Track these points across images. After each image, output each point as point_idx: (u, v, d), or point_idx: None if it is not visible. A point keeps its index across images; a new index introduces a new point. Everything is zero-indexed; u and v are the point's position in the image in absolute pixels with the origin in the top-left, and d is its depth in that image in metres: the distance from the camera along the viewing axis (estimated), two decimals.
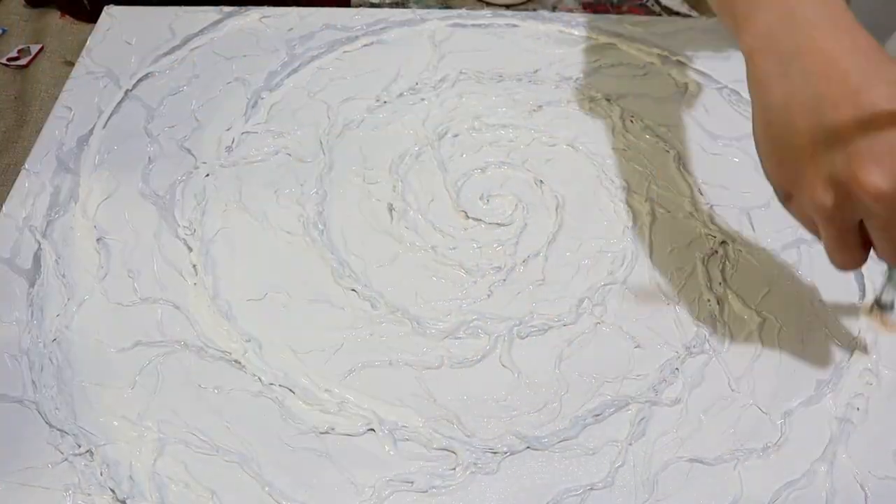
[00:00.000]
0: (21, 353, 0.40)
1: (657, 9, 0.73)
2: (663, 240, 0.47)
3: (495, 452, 0.38)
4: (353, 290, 0.44)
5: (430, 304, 0.44)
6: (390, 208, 0.48)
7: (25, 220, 0.46)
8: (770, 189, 0.50)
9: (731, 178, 0.51)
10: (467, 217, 0.48)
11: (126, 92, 0.54)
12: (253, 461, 0.37)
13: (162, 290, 0.43)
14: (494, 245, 0.47)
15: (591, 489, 0.37)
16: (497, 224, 0.48)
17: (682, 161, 0.52)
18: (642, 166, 0.52)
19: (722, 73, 0.59)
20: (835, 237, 0.33)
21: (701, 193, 0.50)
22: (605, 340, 0.42)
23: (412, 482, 0.36)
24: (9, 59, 0.65)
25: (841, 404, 0.40)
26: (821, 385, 0.41)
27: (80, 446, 0.37)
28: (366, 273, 0.45)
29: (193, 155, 0.51)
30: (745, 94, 0.57)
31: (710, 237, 0.48)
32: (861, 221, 0.32)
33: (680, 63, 0.59)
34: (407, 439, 0.38)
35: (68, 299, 0.43)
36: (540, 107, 0.55)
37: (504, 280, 0.45)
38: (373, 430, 0.38)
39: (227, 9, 0.61)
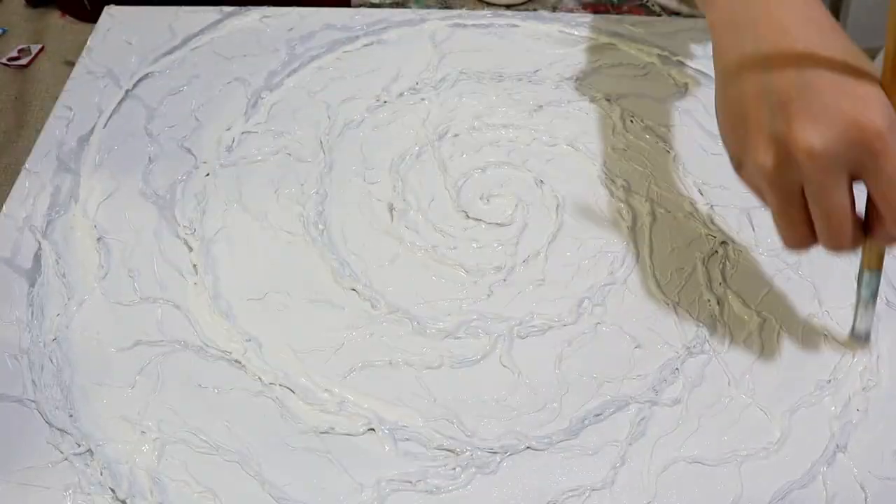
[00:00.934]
0: (21, 353, 0.40)
1: (657, 9, 0.73)
2: (663, 240, 0.47)
3: (495, 452, 0.38)
4: (353, 289, 0.44)
5: (430, 303, 0.44)
6: (390, 208, 0.48)
7: (26, 219, 0.46)
8: None
9: (731, 179, 0.51)
10: (467, 217, 0.48)
11: (126, 92, 0.54)
12: (253, 461, 0.37)
13: (162, 290, 0.43)
14: (494, 245, 0.47)
15: (591, 489, 0.37)
16: (497, 224, 0.48)
17: (682, 161, 0.52)
18: (642, 166, 0.52)
19: None
20: (778, 205, 0.34)
21: (701, 193, 0.50)
22: (606, 340, 0.42)
23: (412, 482, 0.36)
24: (9, 59, 0.65)
25: (841, 404, 0.40)
26: (821, 385, 0.41)
27: (80, 446, 0.37)
28: (366, 273, 0.45)
29: (194, 155, 0.51)
30: None
31: (710, 237, 0.48)
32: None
33: (680, 63, 0.59)
34: (407, 439, 0.38)
35: (68, 299, 0.43)
36: (540, 107, 0.55)
37: (504, 280, 0.45)
38: (373, 429, 0.38)
39: (227, 9, 0.61)
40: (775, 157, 0.32)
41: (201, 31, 0.59)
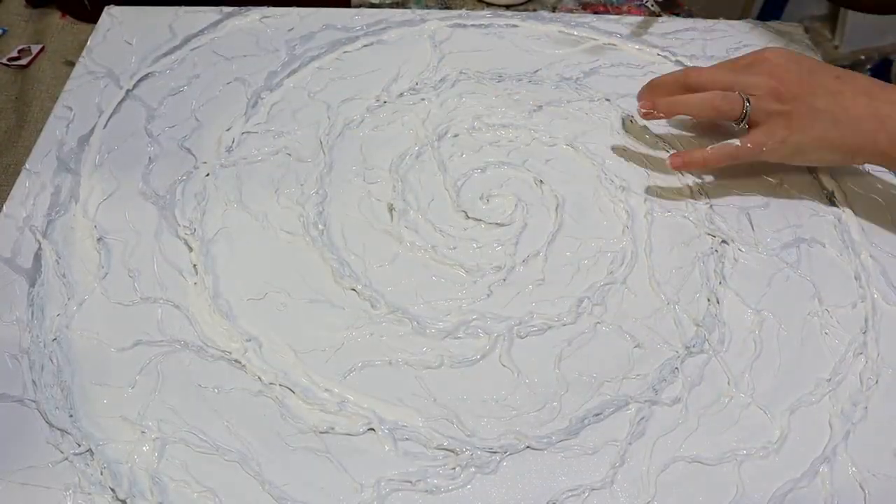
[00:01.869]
0: (21, 353, 0.40)
1: (657, 9, 0.73)
2: (663, 239, 0.48)
3: (495, 452, 0.38)
4: (353, 289, 0.44)
5: (430, 303, 0.44)
6: (390, 208, 0.48)
7: (26, 219, 0.46)
8: (770, 189, 0.51)
9: (731, 178, 0.51)
10: (467, 217, 0.48)
11: (126, 92, 0.54)
12: (253, 461, 0.37)
13: (162, 290, 0.43)
14: (494, 245, 0.47)
15: (591, 489, 0.37)
16: (497, 224, 0.48)
17: None
18: (642, 166, 0.52)
19: None
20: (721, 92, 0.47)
21: (701, 193, 0.50)
22: (605, 340, 0.42)
23: (412, 482, 0.36)
24: (9, 59, 0.65)
25: (841, 404, 0.40)
26: (821, 385, 0.41)
27: (80, 446, 0.37)
28: (366, 273, 0.45)
29: (194, 155, 0.51)
30: None
31: (709, 236, 0.48)
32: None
33: (680, 63, 0.59)
34: (407, 439, 0.38)
35: (68, 299, 0.43)
36: (540, 107, 0.55)
37: (504, 280, 0.45)
38: (373, 429, 0.38)
39: (227, 9, 0.61)
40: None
41: (201, 32, 0.59)
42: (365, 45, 0.59)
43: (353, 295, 0.44)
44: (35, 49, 0.66)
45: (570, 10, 0.72)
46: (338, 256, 0.46)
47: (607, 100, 0.56)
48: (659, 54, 0.60)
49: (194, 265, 0.45)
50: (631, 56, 0.60)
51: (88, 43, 0.58)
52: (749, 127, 0.47)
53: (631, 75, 0.58)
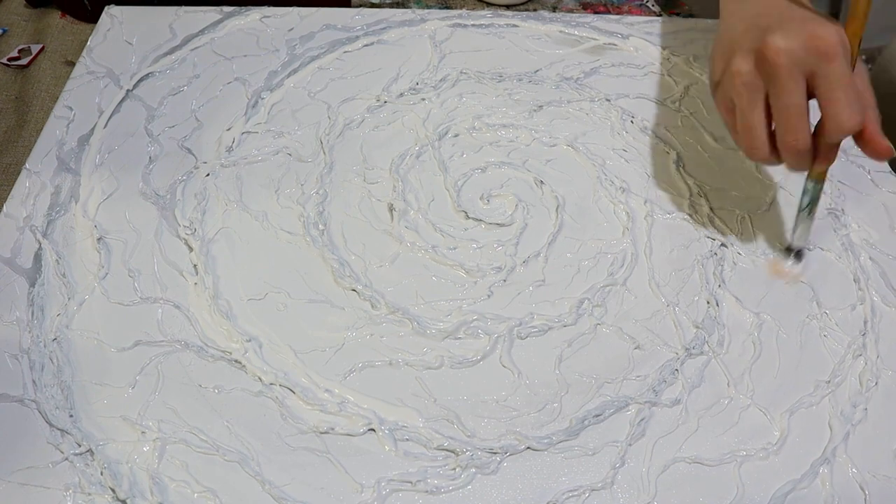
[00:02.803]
0: (21, 353, 0.40)
1: (657, 9, 0.73)
2: (663, 241, 0.48)
3: (495, 452, 0.38)
4: (353, 290, 0.44)
5: (430, 304, 0.44)
6: (390, 208, 0.48)
7: (26, 219, 0.46)
8: (770, 191, 0.51)
9: (731, 180, 0.51)
10: (467, 217, 0.48)
11: (126, 92, 0.54)
12: (253, 461, 0.37)
13: (162, 290, 0.43)
14: (494, 245, 0.47)
15: (591, 489, 0.37)
16: (497, 224, 0.48)
17: (682, 162, 0.52)
18: (642, 167, 0.52)
19: None
20: (745, 106, 0.40)
21: (701, 195, 0.50)
22: (605, 341, 0.43)
23: (412, 482, 0.36)
24: (9, 59, 0.64)
25: (840, 404, 0.40)
26: (820, 385, 0.41)
27: (80, 446, 0.37)
28: (366, 273, 0.45)
29: (194, 155, 0.51)
30: None
31: (709, 239, 0.48)
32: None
33: (680, 63, 0.59)
34: (407, 439, 0.38)
35: (68, 299, 0.43)
36: (540, 107, 0.55)
37: (504, 280, 0.45)
38: (373, 430, 0.38)
39: (227, 9, 0.61)
40: (749, 62, 0.40)
41: (201, 32, 0.59)
42: (365, 45, 0.59)
43: (353, 295, 0.44)
44: (35, 49, 0.66)
45: (571, 10, 0.72)
46: (338, 256, 0.46)
47: (607, 100, 0.56)
48: (659, 54, 0.60)
49: (194, 265, 0.45)
50: (631, 56, 0.60)
51: (88, 43, 0.58)
52: None
53: (631, 75, 0.58)
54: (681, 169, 0.52)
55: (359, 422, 0.38)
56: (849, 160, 0.53)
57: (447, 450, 0.38)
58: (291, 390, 0.40)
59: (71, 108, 0.53)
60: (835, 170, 0.52)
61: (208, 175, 0.50)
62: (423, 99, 0.55)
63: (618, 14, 0.66)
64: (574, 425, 0.39)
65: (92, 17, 0.62)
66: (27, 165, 0.49)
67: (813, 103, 0.39)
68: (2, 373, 0.39)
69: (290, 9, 0.61)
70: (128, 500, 0.35)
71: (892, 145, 0.39)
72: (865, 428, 0.39)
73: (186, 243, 0.46)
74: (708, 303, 0.44)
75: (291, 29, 0.60)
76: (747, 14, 0.43)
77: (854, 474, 0.38)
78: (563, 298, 0.44)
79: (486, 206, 0.49)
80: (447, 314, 0.43)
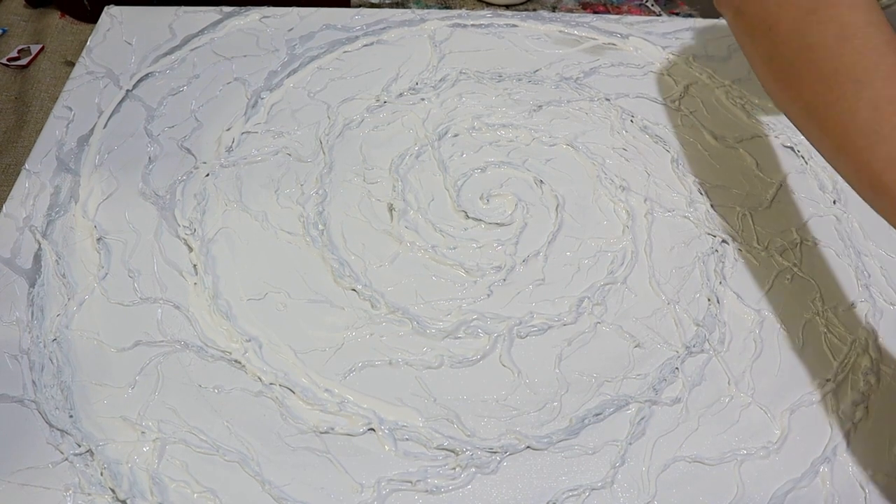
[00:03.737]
0: (21, 353, 0.40)
1: (657, 9, 0.73)
2: (663, 239, 0.48)
3: (495, 452, 0.38)
4: (353, 290, 0.44)
5: (430, 303, 0.44)
6: (390, 208, 0.48)
7: (26, 220, 0.46)
8: (771, 188, 0.51)
9: (731, 178, 0.51)
10: (467, 217, 0.48)
11: (126, 92, 0.54)
12: (253, 461, 0.37)
13: (162, 290, 0.43)
14: (494, 245, 0.47)
15: (591, 489, 0.37)
16: (497, 224, 0.48)
17: (681, 161, 0.52)
18: (642, 165, 0.52)
19: (722, 73, 0.59)
20: None
21: (701, 193, 0.50)
22: (605, 340, 0.42)
23: (412, 482, 0.36)
24: (9, 59, 0.65)
25: (841, 404, 0.40)
26: (821, 385, 0.41)
27: (80, 446, 0.37)
28: (366, 273, 0.45)
29: (193, 155, 0.51)
30: (746, 94, 0.57)
31: (709, 236, 0.48)
32: None
33: (680, 63, 0.59)
34: (407, 439, 0.38)
35: (68, 299, 0.43)
36: (540, 107, 0.55)
37: (504, 280, 0.45)
38: (373, 429, 0.38)
39: (227, 9, 0.61)
40: None
41: (201, 32, 0.59)
42: (365, 45, 0.59)
43: (353, 295, 0.44)
44: (35, 49, 0.66)
45: (570, 10, 0.72)
46: (338, 256, 0.46)
47: (607, 100, 0.56)
48: (659, 54, 0.60)
49: (194, 265, 0.45)
50: (631, 56, 0.60)
51: (88, 43, 0.58)
52: None
53: (631, 75, 0.58)
54: (680, 167, 0.51)
55: (359, 421, 0.38)
56: None
57: (447, 449, 0.38)
58: (291, 390, 0.40)
59: (70, 109, 0.53)
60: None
61: (208, 175, 0.50)
62: (423, 99, 0.55)
63: (618, 14, 0.66)
64: (574, 424, 0.39)
65: (92, 17, 0.62)
66: (27, 166, 0.49)
67: None
68: (2, 373, 0.39)
69: (290, 9, 0.61)
70: (128, 501, 0.35)
71: None
72: (866, 427, 0.39)
73: (186, 243, 0.46)
74: (709, 300, 0.44)
75: (291, 29, 0.60)
76: None
77: (854, 473, 0.38)
78: (563, 297, 0.44)
79: (486, 206, 0.49)
80: (447, 314, 0.43)
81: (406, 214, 0.48)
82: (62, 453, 0.37)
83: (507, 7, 0.69)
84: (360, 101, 0.55)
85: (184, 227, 0.47)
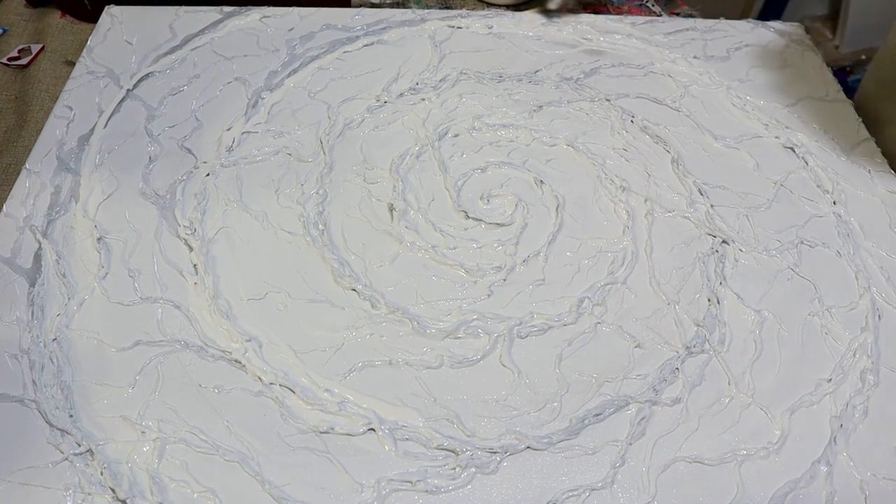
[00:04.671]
0: (21, 353, 0.40)
1: (657, 9, 0.73)
2: (663, 240, 0.47)
3: (495, 452, 0.38)
4: (353, 289, 0.44)
5: (430, 303, 0.44)
6: (390, 208, 0.48)
7: (26, 219, 0.46)
8: (770, 190, 0.51)
9: (731, 179, 0.51)
10: (467, 217, 0.48)
11: (126, 92, 0.54)
12: (253, 461, 0.37)
13: (162, 290, 0.43)
14: (494, 245, 0.47)
15: (591, 489, 0.37)
16: (497, 224, 0.48)
17: (681, 161, 0.52)
18: (642, 166, 0.52)
19: (722, 72, 0.59)
20: None
21: (701, 193, 0.50)
22: (605, 340, 0.42)
23: (412, 482, 0.36)
24: (9, 59, 0.64)
25: (841, 404, 0.40)
26: (821, 385, 0.41)
27: (80, 446, 0.37)
28: (366, 273, 0.45)
29: (194, 155, 0.51)
30: (746, 94, 0.57)
31: (709, 237, 0.48)
32: None
33: (680, 63, 0.59)
34: (407, 439, 0.38)
35: (69, 299, 0.43)
36: (540, 107, 0.55)
37: (504, 280, 0.45)
38: (373, 429, 0.38)
39: (227, 9, 0.61)
40: None
41: (201, 31, 0.59)
42: (365, 45, 0.59)
43: (353, 295, 0.44)
44: (35, 49, 0.66)
45: (571, 10, 0.72)
46: (338, 256, 0.46)
47: (607, 100, 0.56)
48: (659, 54, 0.60)
49: (194, 265, 0.45)
50: (631, 56, 0.60)
51: (88, 43, 0.58)
52: None
53: (631, 75, 0.58)
54: (680, 167, 0.51)
55: (359, 421, 0.38)
56: (850, 160, 0.53)
57: (447, 449, 0.38)
58: (291, 390, 0.40)
59: (71, 108, 0.53)
60: (836, 168, 0.52)
61: (208, 175, 0.50)
62: (423, 99, 0.55)
63: (618, 14, 0.66)
64: (574, 424, 0.39)
65: (92, 17, 0.62)
66: (27, 165, 0.49)
67: None
68: (2, 373, 0.39)
69: (290, 9, 0.61)
70: (128, 500, 0.35)
71: None
72: (866, 427, 0.39)
73: (186, 243, 0.46)
74: (709, 300, 0.44)
75: (291, 29, 0.60)
76: None
77: (854, 474, 0.38)
78: (564, 297, 0.44)
79: (486, 206, 0.49)
80: (447, 314, 0.43)
81: (406, 214, 0.48)
82: (62, 453, 0.37)
83: (507, 7, 0.69)
84: (361, 101, 0.55)
85: (184, 226, 0.47)
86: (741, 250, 0.47)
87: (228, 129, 0.52)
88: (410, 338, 0.42)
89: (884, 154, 0.53)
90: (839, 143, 0.54)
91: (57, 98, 0.54)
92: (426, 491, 0.36)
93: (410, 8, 0.67)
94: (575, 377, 0.41)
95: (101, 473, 0.36)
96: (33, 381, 0.39)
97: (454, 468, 0.37)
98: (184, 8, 0.61)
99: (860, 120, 0.56)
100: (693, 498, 0.37)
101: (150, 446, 0.37)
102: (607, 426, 0.39)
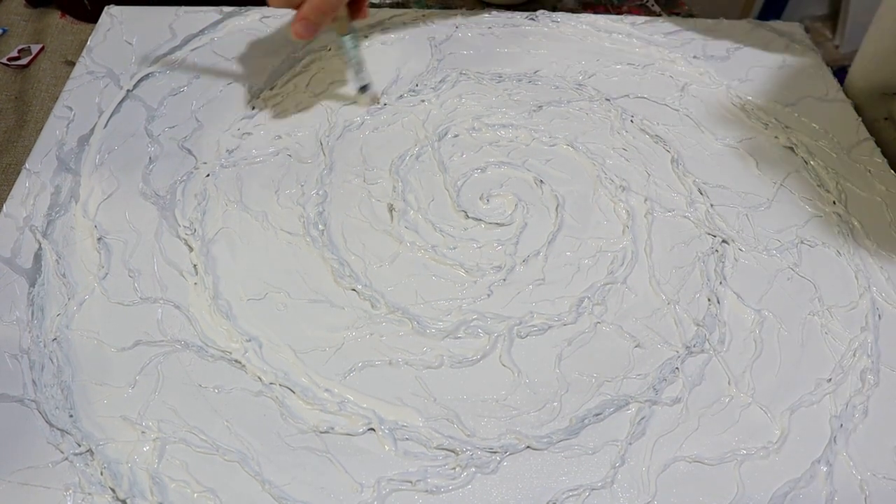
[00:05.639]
0: (21, 353, 0.40)
1: (657, 9, 0.73)
2: (663, 239, 0.48)
3: (495, 452, 0.38)
4: (353, 290, 0.44)
5: (430, 303, 0.44)
6: (390, 208, 0.48)
7: (26, 219, 0.46)
8: (770, 189, 0.51)
9: (731, 178, 0.51)
10: (467, 217, 0.48)
11: (126, 92, 0.54)
12: (253, 461, 0.37)
13: (162, 290, 0.43)
14: (494, 245, 0.47)
15: (591, 489, 0.37)
16: (497, 224, 0.48)
17: (681, 161, 0.52)
18: (642, 165, 0.52)
19: (722, 72, 0.59)
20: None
21: (701, 193, 0.50)
22: (605, 340, 0.42)
23: (412, 482, 0.36)
24: (9, 59, 0.65)
25: (841, 404, 0.40)
26: (821, 385, 0.41)
27: (80, 446, 0.37)
28: (366, 273, 0.45)
29: (194, 155, 0.51)
30: (746, 94, 0.57)
31: (709, 236, 0.48)
32: None
33: (680, 63, 0.59)
34: (407, 439, 0.38)
35: (69, 299, 0.43)
36: (540, 107, 0.55)
37: (504, 280, 0.45)
38: (373, 429, 0.38)
39: (227, 9, 0.61)
40: None
41: (201, 32, 0.59)
42: (365, 46, 0.59)
43: (353, 295, 0.44)
44: (35, 49, 0.66)
45: (571, 10, 0.72)
46: (338, 256, 0.46)
47: (607, 100, 0.56)
48: (659, 54, 0.60)
49: (194, 265, 0.45)
50: (631, 56, 0.60)
51: (88, 43, 0.58)
52: None
53: (631, 75, 0.58)
54: (680, 167, 0.51)
55: (358, 421, 0.38)
56: (850, 159, 0.53)
57: (447, 449, 0.38)
58: (291, 390, 0.40)
59: (71, 108, 0.53)
60: (836, 168, 0.52)
61: (208, 175, 0.50)
62: (423, 101, 0.55)
63: (618, 14, 0.66)
64: (574, 424, 0.39)
65: (92, 17, 0.62)
66: (27, 165, 0.49)
67: None
68: (2, 373, 0.39)
69: (290, 9, 0.61)
70: (128, 500, 0.35)
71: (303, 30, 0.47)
72: (866, 427, 0.39)
73: (186, 243, 0.46)
74: (709, 300, 0.44)
75: None
76: None
77: (854, 474, 0.38)
78: (563, 297, 0.44)
79: (486, 206, 0.49)
80: (447, 313, 0.43)
81: (406, 215, 0.48)
82: (62, 453, 0.37)
83: (508, 7, 0.69)
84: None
85: (184, 227, 0.47)
86: (741, 250, 0.47)
87: (228, 130, 0.52)
88: (410, 338, 0.42)
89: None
90: (839, 142, 0.54)
91: (57, 98, 0.54)
92: (426, 491, 0.36)
93: (410, 8, 0.67)
94: (575, 377, 0.41)
95: (101, 473, 0.36)
96: (33, 381, 0.39)
97: (454, 468, 0.37)
98: (184, 8, 0.61)
99: (860, 120, 0.56)
100: (693, 498, 0.37)
101: (150, 446, 0.37)
102: (607, 426, 0.39)
